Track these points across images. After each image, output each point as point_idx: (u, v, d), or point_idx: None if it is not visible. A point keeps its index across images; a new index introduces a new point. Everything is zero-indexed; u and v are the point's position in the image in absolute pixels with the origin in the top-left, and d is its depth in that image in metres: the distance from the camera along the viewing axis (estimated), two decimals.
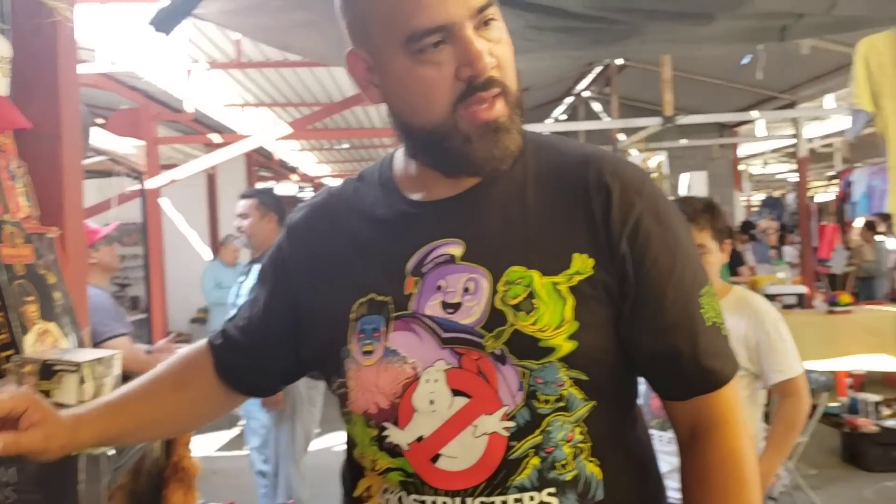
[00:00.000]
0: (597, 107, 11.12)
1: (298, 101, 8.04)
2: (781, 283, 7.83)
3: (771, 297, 6.89)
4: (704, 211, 2.43)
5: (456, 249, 1.01)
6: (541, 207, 1.02)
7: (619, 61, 8.88)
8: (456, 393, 0.98)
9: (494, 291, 0.98)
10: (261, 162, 11.27)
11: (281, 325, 1.15)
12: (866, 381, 7.12)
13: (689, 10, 2.65)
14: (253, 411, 4.05)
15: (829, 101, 9.24)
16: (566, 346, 0.97)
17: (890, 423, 5.39)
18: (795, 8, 2.50)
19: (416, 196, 1.07)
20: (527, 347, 0.97)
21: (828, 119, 9.99)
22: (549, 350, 0.97)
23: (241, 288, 3.95)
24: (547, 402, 0.97)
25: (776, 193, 16.98)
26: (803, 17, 2.57)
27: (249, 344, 1.19)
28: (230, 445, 6.53)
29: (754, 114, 8.96)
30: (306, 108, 8.05)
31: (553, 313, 0.97)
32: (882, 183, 9.93)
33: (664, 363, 1.03)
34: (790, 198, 14.57)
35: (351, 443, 1.10)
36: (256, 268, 4.09)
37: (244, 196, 4.03)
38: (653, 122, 7.41)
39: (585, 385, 0.99)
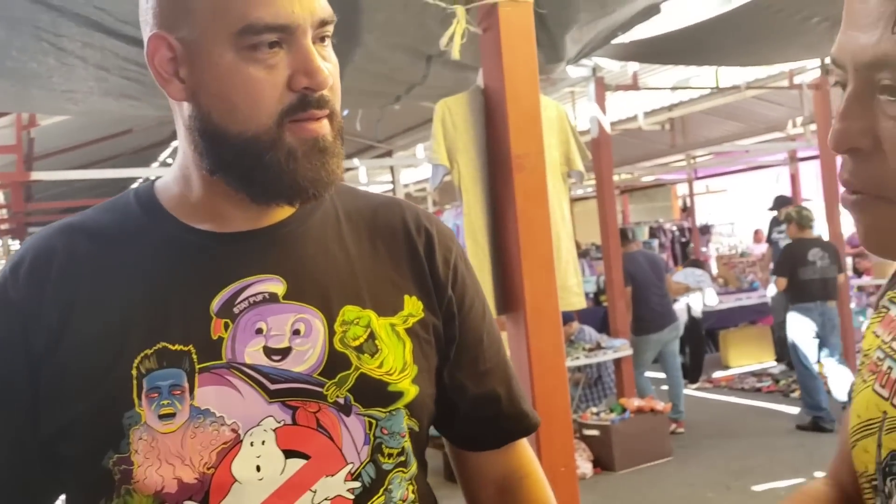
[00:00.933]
0: None
1: None
2: None
3: None
4: None
5: (276, 287, 0.88)
6: (360, 247, 0.96)
7: None
8: (289, 454, 0.84)
9: (332, 332, 0.88)
10: None
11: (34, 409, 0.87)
12: None
13: None
14: None
15: (420, 150, 10.23)
16: (412, 391, 0.91)
17: None
18: (395, 87, 2.82)
19: (203, 226, 0.91)
20: (374, 394, 0.88)
21: (420, 166, 11.01)
22: (397, 395, 0.89)
23: None
24: (391, 455, 0.90)
25: None
26: (399, 97, 2.90)
27: (16, 464, 0.89)
28: None
29: (356, 161, 9.61)
30: None
31: (396, 356, 0.91)
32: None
33: (485, 407, 1.01)
34: None
35: None
36: None
37: None
38: None
39: (414, 437, 0.93)
